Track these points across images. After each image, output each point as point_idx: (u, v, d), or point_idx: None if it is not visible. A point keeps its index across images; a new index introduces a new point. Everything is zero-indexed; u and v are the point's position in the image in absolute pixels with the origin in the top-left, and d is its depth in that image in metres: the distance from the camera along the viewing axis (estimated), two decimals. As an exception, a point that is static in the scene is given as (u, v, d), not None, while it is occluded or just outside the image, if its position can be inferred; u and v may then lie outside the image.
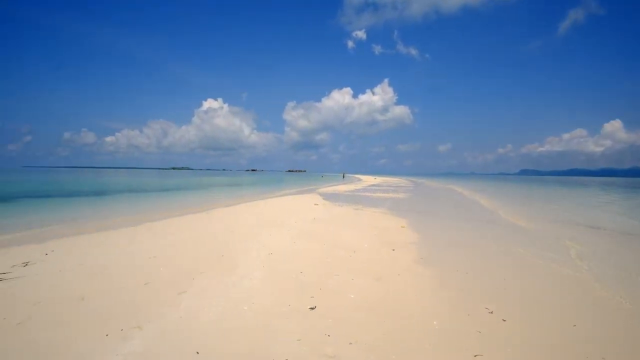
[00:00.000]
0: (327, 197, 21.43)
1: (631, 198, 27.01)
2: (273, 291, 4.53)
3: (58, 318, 3.66)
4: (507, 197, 26.75)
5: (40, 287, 4.59)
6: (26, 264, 5.66)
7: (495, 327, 3.64)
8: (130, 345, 3.10)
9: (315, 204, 16.00)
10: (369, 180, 62.76)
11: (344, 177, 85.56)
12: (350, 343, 3.23)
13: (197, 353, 2.99)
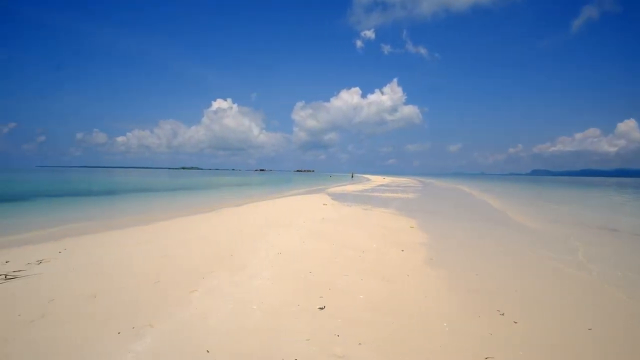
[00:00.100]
0: (335, 197, 21.42)
1: (646, 199, 26.47)
2: (282, 291, 4.54)
3: (72, 315, 3.72)
4: (517, 197, 26.44)
5: (54, 285, 4.67)
6: (40, 262, 5.77)
7: (506, 329, 3.60)
8: (142, 343, 3.14)
9: (324, 204, 16.00)
10: (377, 180, 62.56)
11: (352, 177, 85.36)
12: (360, 343, 3.23)
13: (208, 352, 3.02)
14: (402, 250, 6.93)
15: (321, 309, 3.99)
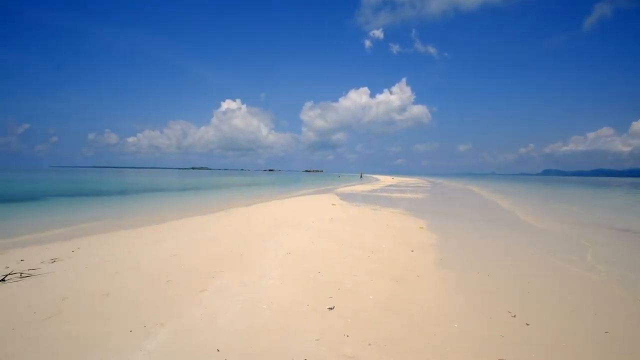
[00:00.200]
0: (344, 197, 21.39)
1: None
2: (291, 291, 4.55)
3: (85, 313, 3.78)
4: (527, 198, 26.08)
5: (68, 283, 4.75)
6: (54, 261, 5.87)
7: (518, 331, 3.56)
8: (153, 342, 3.17)
9: (332, 204, 15.99)
10: (386, 180, 62.31)
11: (361, 177, 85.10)
12: (369, 344, 3.22)
13: (218, 351, 3.04)
14: (412, 251, 6.89)
15: (330, 309, 3.99)
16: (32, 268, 5.42)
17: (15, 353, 2.97)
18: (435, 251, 6.95)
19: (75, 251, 6.58)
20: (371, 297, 4.42)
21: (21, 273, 5.11)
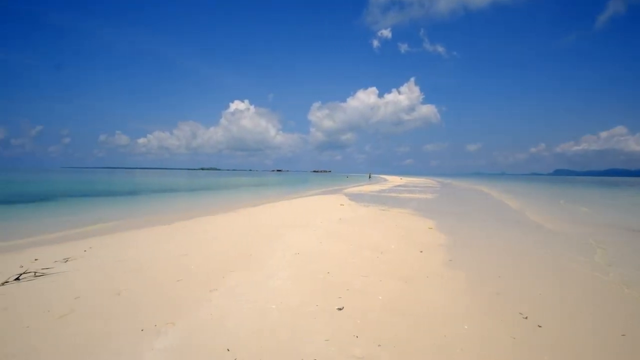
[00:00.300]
0: (352, 197, 21.36)
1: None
2: (300, 291, 4.56)
3: (97, 312, 3.83)
4: (537, 198, 25.71)
5: (80, 282, 4.82)
6: (67, 260, 5.97)
7: (530, 333, 3.51)
8: (164, 340, 3.20)
9: (341, 204, 15.98)
10: (394, 180, 62.04)
11: (370, 177, 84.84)
12: (379, 345, 3.21)
13: (228, 350, 3.05)
14: (421, 252, 6.85)
15: (340, 309, 3.99)
16: (46, 267, 5.52)
17: (30, 350, 3.02)
18: (445, 252, 6.90)
19: (87, 251, 6.67)
20: (380, 297, 4.41)
21: (35, 272, 5.21)
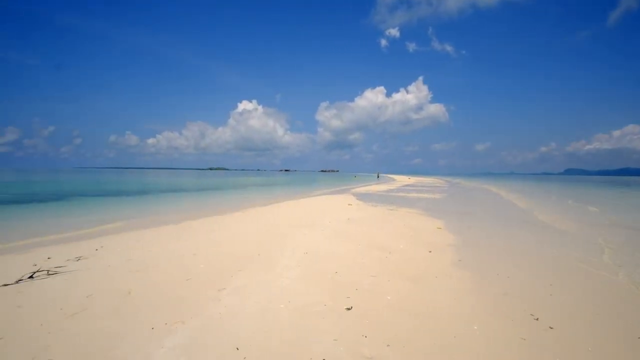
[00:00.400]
0: (360, 197, 21.32)
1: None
2: (309, 291, 4.56)
3: (108, 310, 3.88)
4: (547, 198, 25.33)
5: (92, 281, 4.89)
6: (79, 259, 6.06)
7: (541, 334, 3.47)
8: (174, 339, 3.24)
9: (349, 204, 15.96)
10: (403, 180, 61.74)
11: (378, 177, 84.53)
12: (388, 345, 3.20)
13: (237, 349, 3.07)
14: (430, 252, 6.81)
15: (348, 309, 3.99)
16: (59, 266, 5.61)
17: (43, 347, 3.07)
18: (453, 252, 6.85)
19: (98, 250, 6.77)
20: (389, 297, 4.39)
21: (48, 271, 5.30)
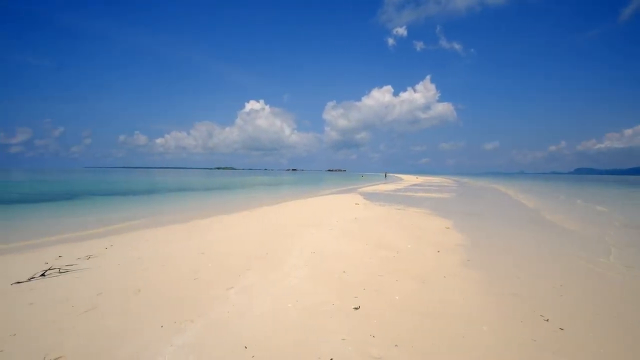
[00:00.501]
0: (368, 196, 21.26)
1: None
2: (316, 290, 4.56)
3: (118, 308, 3.93)
4: (556, 198, 24.99)
5: (102, 279, 4.95)
6: (89, 257, 6.14)
7: (551, 335, 3.42)
8: (183, 337, 3.26)
9: (356, 204, 15.93)
10: (410, 179, 61.44)
11: (386, 176, 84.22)
12: (396, 345, 3.18)
13: (245, 348, 3.09)
14: (438, 251, 6.77)
15: (356, 309, 3.98)
16: (70, 264, 5.69)
17: (55, 344, 3.12)
18: (462, 252, 6.80)
19: (108, 248, 6.85)
20: (397, 297, 4.37)
21: (59, 268, 5.38)
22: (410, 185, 37.86)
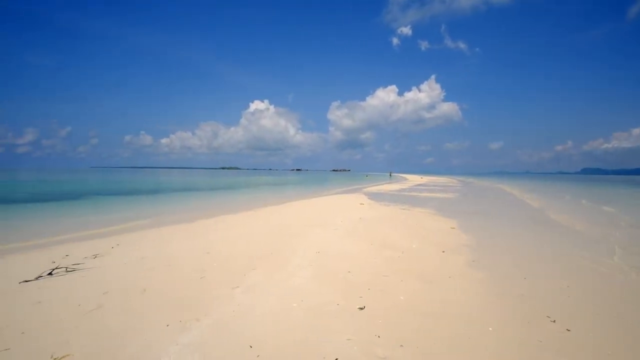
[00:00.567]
0: (372, 196, 21.23)
1: None
2: (321, 290, 4.56)
3: (124, 307, 3.95)
4: (562, 198, 24.77)
5: (108, 278, 4.98)
6: (96, 256, 6.19)
7: (558, 336, 3.39)
8: (188, 336, 3.27)
9: (361, 204, 15.90)
10: (415, 179, 61.22)
11: (390, 176, 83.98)
12: (401, 345, 3.17)
13: (250, 347, 3.09)
14: (443, 252, 6.74)
15: (361, 309, 3.97)
16: (76, 263, 5.74)
17: (62, 343, 3.15)
18: (468, 252, 6.76)
19: (114, 248, 6.90)
20: (402, 297, 4.36)
21: (66, 267, 5.43)
22: (415, 185, 37.75)
